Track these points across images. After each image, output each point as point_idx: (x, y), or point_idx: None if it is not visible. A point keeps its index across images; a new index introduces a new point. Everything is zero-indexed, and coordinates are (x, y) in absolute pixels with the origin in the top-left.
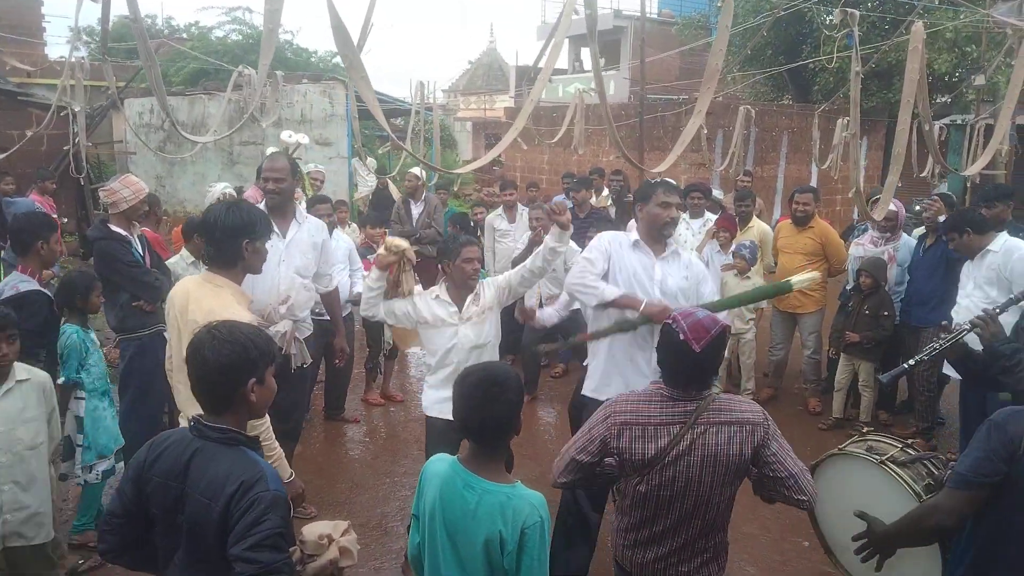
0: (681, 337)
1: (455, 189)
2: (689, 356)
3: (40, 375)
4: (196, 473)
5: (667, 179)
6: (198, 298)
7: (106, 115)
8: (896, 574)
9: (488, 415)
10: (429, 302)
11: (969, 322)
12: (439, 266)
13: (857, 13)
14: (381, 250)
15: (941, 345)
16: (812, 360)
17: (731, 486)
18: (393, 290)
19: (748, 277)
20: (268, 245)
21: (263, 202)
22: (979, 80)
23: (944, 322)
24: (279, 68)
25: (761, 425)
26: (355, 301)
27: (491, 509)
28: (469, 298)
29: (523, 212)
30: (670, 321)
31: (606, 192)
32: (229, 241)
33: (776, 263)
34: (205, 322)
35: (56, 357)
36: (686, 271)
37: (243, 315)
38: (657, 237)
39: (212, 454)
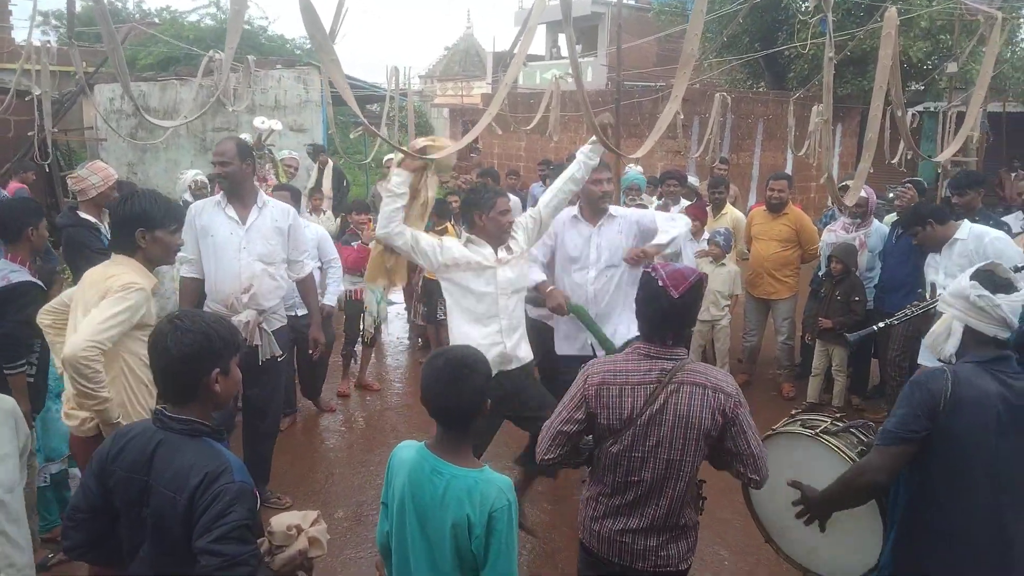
0: (660, 284)
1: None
2: (667, 302)
3: (7, 402)
4: (160, 465)
5: (600, 160)
6: (95, 270)
7: (75, 101)
8: (840, 540)
9: (456, 397)
10: (458, 244)
11: (941, 295)
12: (473, 217)
13: None
14: (421, 141)
15: (913, 312)
16: (786, 346)
17: (698, 454)
18: (412, 201)
19: (723, 264)
20: (227, 232)
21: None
22: (952, 68)
23: (920, 291)
24: (252, 54)
25: (733, 396)
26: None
27: (459, 493)
28: (501, 249)
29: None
30: (650, 270)
31: None
32: (123, 230)
33: (749, 250)
34: (102, 282)
35: (45, 357)
36: (618, 228)
37: (140, 280)
38: (594, 209)
39: (176, 446)
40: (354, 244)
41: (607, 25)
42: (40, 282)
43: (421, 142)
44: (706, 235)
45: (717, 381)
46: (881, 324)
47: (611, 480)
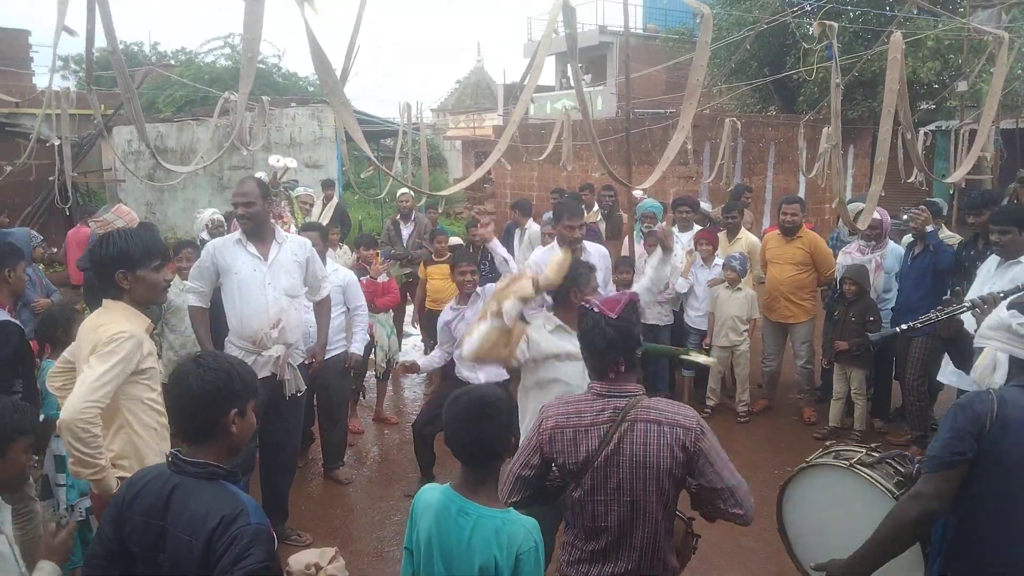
0: (596, 311)
1: (439, 211)
2: (608, 326)
3: None
4: (176, 510)
5: (571, 204)
6: (86, 320)
7: (94, 144)
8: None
9: (481, 436)
10: (547, 335)
11: (970, 300)
12: (569, 296)
13: (836, 25)
14: (497, 299)
15: (937, 316)
16: (805, 370)
17: (665, 494)
18: (498, 345)
19: (739, 288)
20: (251, 268)
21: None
22: (962, 86)
23: (946, 297)
24: (267, 92)
25: (693, 430)
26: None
27: (486, 535)
28: None
29: (527, 231)
30: (585, 304)
31: (596, 208)
32: (103, 273)
33: (765, 273)
34: (91, 334)
35: (34, 390)
36: (597, 263)
37: (130, 329)
38: (574, 249)
39: (191, 489)
40: (363, 279)
41: (615, 54)
42: (17, 322)
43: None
44: (717, 260)
45: (673, 416)
46: (905, 326)
47: (581, 525)
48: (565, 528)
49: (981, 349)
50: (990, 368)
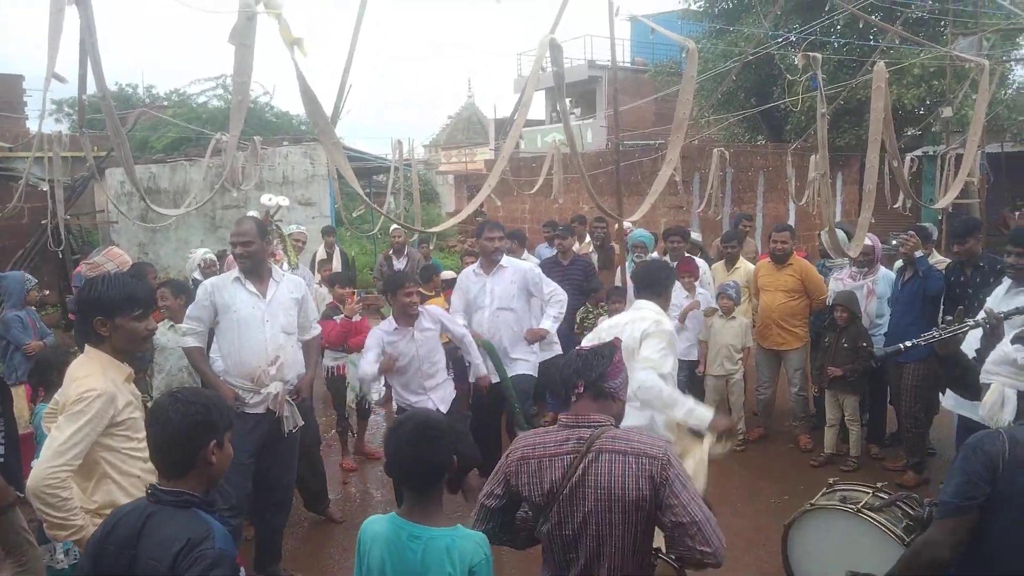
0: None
1: (430, 246)
2: (576, 357)
3: None
4: (148, 537)
5: (491, 221)
6: (71, 366)
7: (87, 186)
8: None
9: (429, 460)
10: None
11: (973, 319)
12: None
13: (819, 57)
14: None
15: (941, 334)
16: (799, 397)
17: (633, 527)
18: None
19: (734, 317)
20: (250, 307)
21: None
22: (947, 112)
23: (948, 317)
24: (260, 132)
25: (659, 460)
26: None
27: (438, 554)
28: None
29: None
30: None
31: (588, 239)
32: (84, 320)
33: (758, 301)
34: (68, 386)
35: (14, 433)
36: (512, 278)
37: (100, 386)
38: (488, 261)
39: (165, 517)
40: (336, 318)
41: (604, 88)
42: None
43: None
44: (701, 290)
45: (640, 446)
46: (909, 343)
47: (553, 560)
48: (543, 562)
49: (987, 385)
50: (998, 404)
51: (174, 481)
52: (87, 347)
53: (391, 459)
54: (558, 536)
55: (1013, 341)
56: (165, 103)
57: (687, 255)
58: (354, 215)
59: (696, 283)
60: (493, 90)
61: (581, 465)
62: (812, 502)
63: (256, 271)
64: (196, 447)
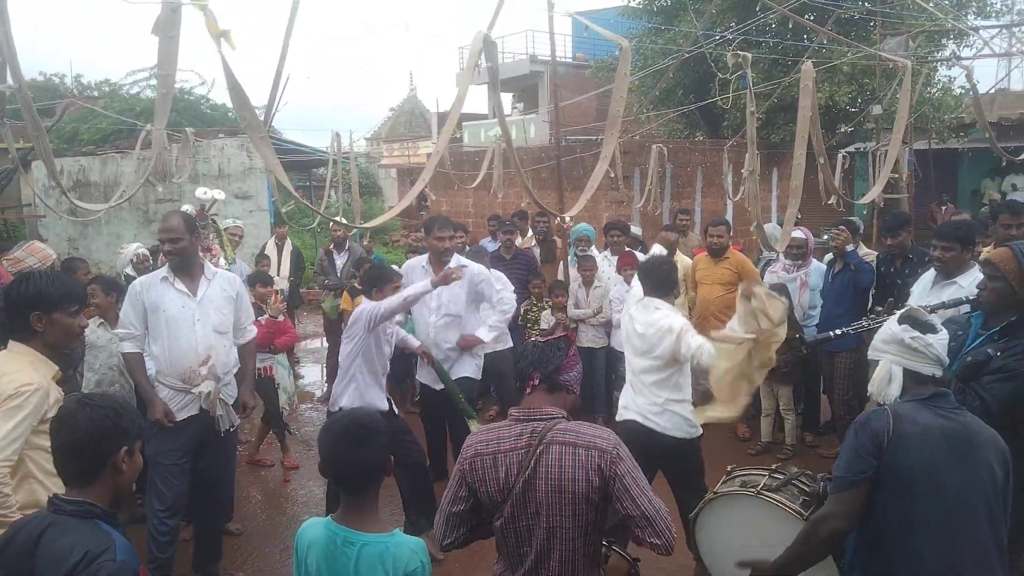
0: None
1: (364, 242)
2: (533, 348)
3: None
4: (45, 548)
5: (441, 217)
6: None
7: (11, 179)
8: None
9: (358, 460)
10: None
11: (899, 312)
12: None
13: (749, 56)
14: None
15: (869, 324)
16: None
17: (583, 519)
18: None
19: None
20: (179, 305)
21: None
22: (877, 110)
23: (879, 307)
24: (195, 124)
25: (608, 452)
26: None
27: (371, 561)
28: None
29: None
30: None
31: (530, 234)
32: (18, 314)
33: (696, 295)
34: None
35: None
36: (460, 281)
37: (36, 380)
38: (438, 261)
39: (64, 528)
40: (261, 319)
41: (546, 83)
42: None
43: None
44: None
45: (591, 439)
46: (839, 331)
47: (506, 554)
48: (497, 558)
49: (875, 362)
50: (886, 380)
51: (78, 490)
52: (13, 343)
53: (323, 459)
54: (512, 530)
55: (900, 321)
56: (95, 93)
57: (627, 249)
58: (284, 210)
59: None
60: (435, 84)
61: (533, 458)
62: (715, 490)
63: (186, 268)
64: (105, 454)
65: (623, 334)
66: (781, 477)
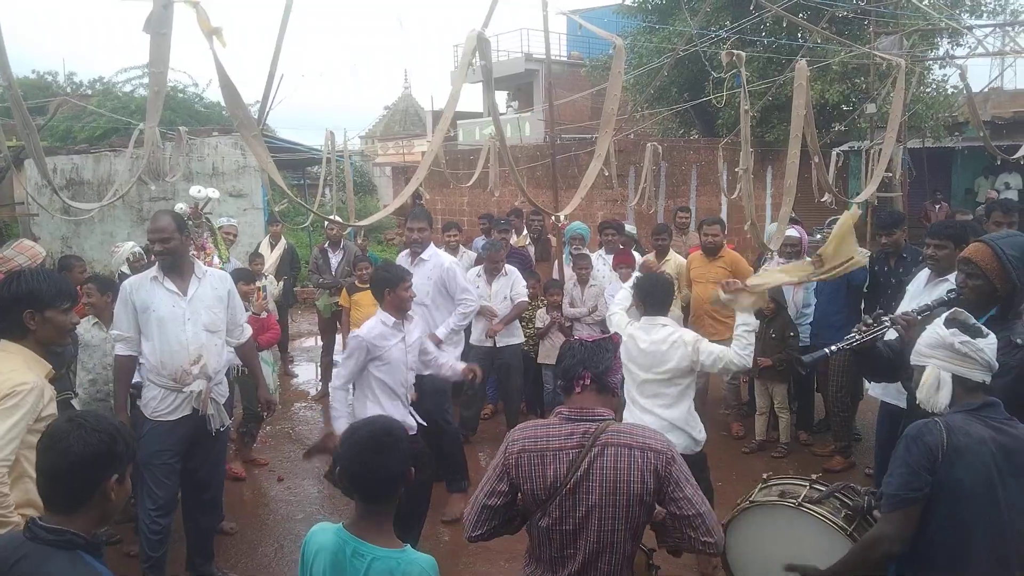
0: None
1: (359, 241)
2: (580, 347)
3: None
4: None
5: (420, 207)
6: None
7: (3, 177)
8: None
9: (384, 468)
10: None
11: (890, 318)
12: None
13: (743, 55)
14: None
15: (862, 336)
16: (731, 386)
17: (636, 521)
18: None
19: None
20: (170, 305)
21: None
22: (870, 108)
23: (867, 318)
24: (189, 123)
25: (664, 453)
26: None
27: None
28: None
29: (463, 254)
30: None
31: (525, 232)
32: (10, 312)
33: (691, 294)
34: None
35: None
36: (429, 273)
37: (31, 379)
38: (412, 251)
39: (40, 559)
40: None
41: (541, 81)
42: None
43: None
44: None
45: (645, 440)
46: (834, 348)
47: (547, 556)
48: (527, 560)
49: (920, 368)
50: (934, 387)
51: (60, 517)
52: (5, 342)
53: (344, 464)
54: (557, 531)
55: (947, 324)
56: (89, 92)
57: (622, 247)
58: (277, 208)
59: (633, 274)
60: (430, 82)
61: (586, 460)
62: (751, 498)
63: (176, 268)
64: (96, 480)
65: (623, 355)
66: (822, 489)
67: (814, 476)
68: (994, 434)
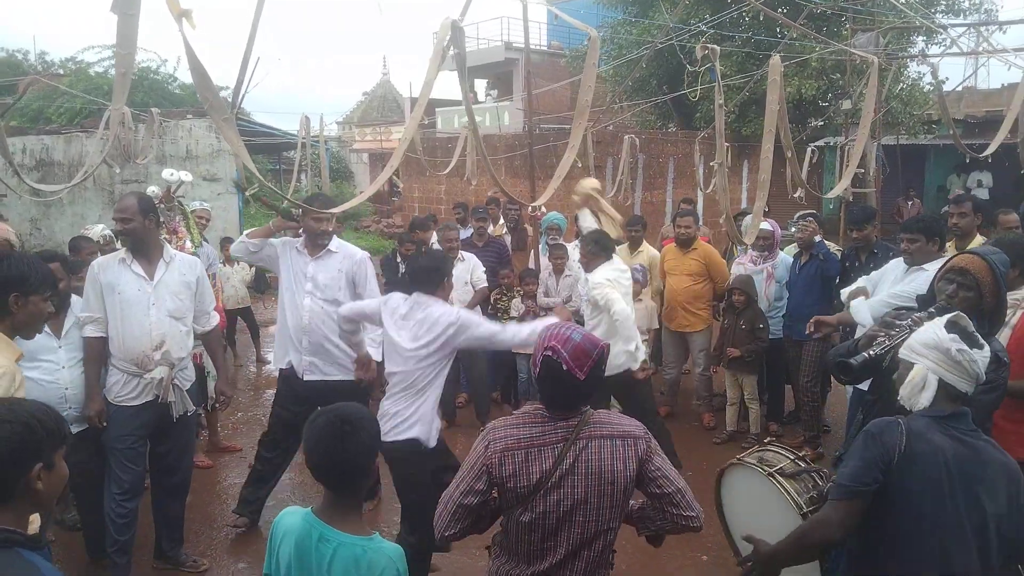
0: (565, 368)
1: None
2: (573, 384)
3: None
4: None
5: (322, 195)
6: None
7: None
8: None
9: (344, 455)
10: None
11: (911, 319)
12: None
13: (717, 48)
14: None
15: (892, 341)
16: (703, 377)
17: (619, 509)
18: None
19: (640, 299)
20: (135, 288)
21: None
22: (846, 105)
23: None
24: (163, 104)
25: (643, 438)
26: None
27: (346, 564)
28: None
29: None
30: (550, 352)
31: (502, 221)
32: None
33: (664, 285)
34: None
35: None
36: (339, 266)
37: (4, 363)
38: (314, 243)
39: None
40: None
41: (521, 70)
42: None
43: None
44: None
45: (624, 428)
46: (871, 353)
47: (524, 549)
48: (497, 555)
49: (909, 363)
50: (919, 387)
51: None
52: None
53: (306, 451)
54: (539, 525)
55: (948, 329)
56: (61, 71)
57: None
58: (248, 193)
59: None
60: (409, 68)
61: (571, 453)
62: (739, 457)
63: (142, 250)
64: (16, 474)
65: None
66: (802, 465)
67: (803, 452)
68: (953, 444)
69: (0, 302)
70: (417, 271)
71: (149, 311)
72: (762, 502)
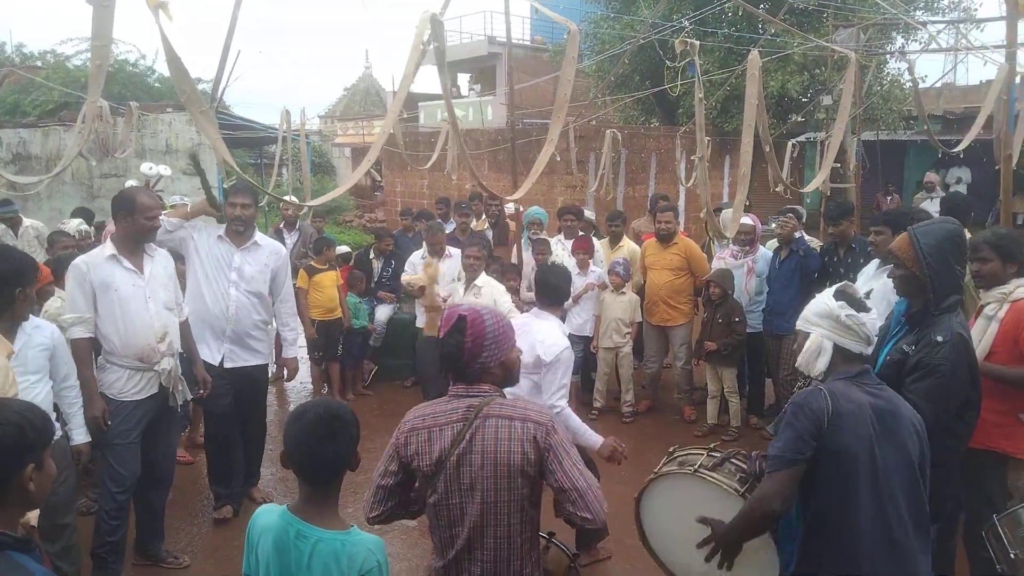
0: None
1: (310, 220)
2: (442, 346)
3: None
4: None
5: (238, 184)
6: None
7: None
8: (738, 571)
9: (332, 452)
10: None
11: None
12: None
13: (697, 44)
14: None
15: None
16: (684, 371)
17: (518, 493)
18: None
19: (623, 292)
20: (130, 284)
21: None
22: (827, 100)
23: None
24: (142, 97)
25: (544, 426)
26: None
27: (325, 559)
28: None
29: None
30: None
31: (484, 216)
32: (2, 289)
33: (645, 279)
34: None
35: None
36: (266, 260)
37: None
38: (234, 232)
39: None
40: None
41: (504, 65)
42: None
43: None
44: (594, 268)
45: (526, 412)
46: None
47: (438, 538)
48: (433, 548)
49: (805, 333)
50: (815, 354)
51: None
52: None
53: (289, 448)
54: (444, 507)
55: (836, 297)
56: (38, 63)
57: (581, 233)
58: (225, 186)
59: (591, 260)
60: (392, 62)
61: (469, 431)
62: (655, 471)
63: (128, 245)
64: (9, 476)
65: None
66: (718, 456)
67: (712, 445)
68: (870, 399)
69: (7, 294)
70: (545, 287)
71: (147, 305)
72: (697, 502)
